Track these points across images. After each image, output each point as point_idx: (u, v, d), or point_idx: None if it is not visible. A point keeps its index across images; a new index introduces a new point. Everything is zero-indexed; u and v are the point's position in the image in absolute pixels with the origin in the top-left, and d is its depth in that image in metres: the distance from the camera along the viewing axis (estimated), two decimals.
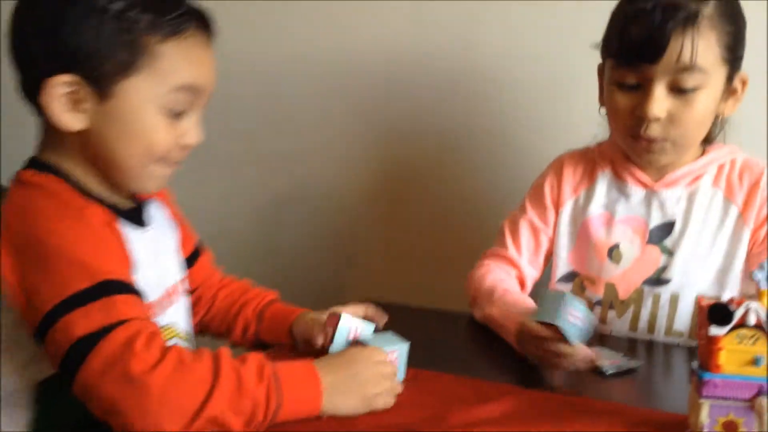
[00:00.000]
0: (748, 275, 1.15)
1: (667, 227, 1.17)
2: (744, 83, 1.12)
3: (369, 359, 0.85)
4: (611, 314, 1.18)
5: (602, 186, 1.21)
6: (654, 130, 1.07)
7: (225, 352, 0.77)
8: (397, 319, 1.05)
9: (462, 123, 1.59)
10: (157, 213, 0.97)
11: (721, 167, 1.17)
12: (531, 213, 1.25)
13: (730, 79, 1.09)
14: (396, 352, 0.91)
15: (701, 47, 1.02)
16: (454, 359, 1.06)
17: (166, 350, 0.74)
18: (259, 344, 1.07)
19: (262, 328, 1.06)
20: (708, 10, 1.04)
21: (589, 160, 1.24)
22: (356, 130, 1.68)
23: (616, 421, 0.82)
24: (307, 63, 1.68)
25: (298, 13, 1.67)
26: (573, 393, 0.91)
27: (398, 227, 1.69)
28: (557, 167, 1.26)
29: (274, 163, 1.76)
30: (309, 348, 0.98)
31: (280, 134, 1.74)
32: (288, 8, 1.69)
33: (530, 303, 1.12)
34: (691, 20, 1.02)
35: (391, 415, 0.83)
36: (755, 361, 0.74)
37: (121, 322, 0.74)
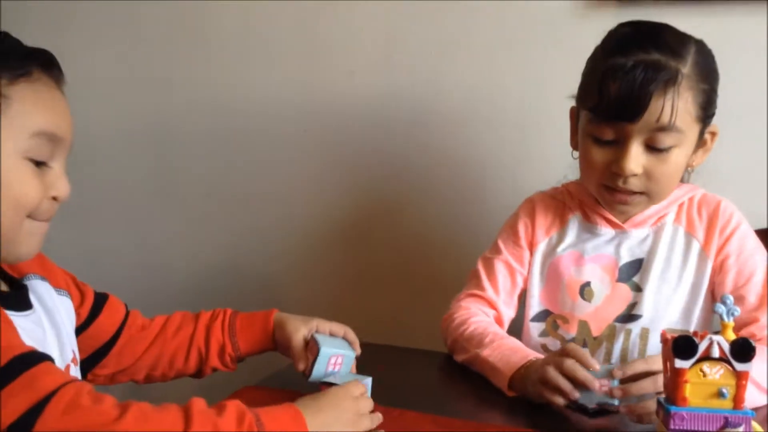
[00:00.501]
0: (711, 306, 1.18)
1: (636, 264, 1.18)
2: (713, 135, 1.14)
3: (349, 397, 0.85)
4: (585, 351, 1.19)
5: (573, 228, 1.23)
6: (630, 184, 1.09)
7: (197, 403, 0.74)
8: (364, 356, 1.05)
9: (433, 160, 1.62)
10: (40, 291, 0.90)
11: (681, 205, 1.20)
12: (506, 253, 1.26)
13: (701, 133, 1.11)
14: (341, 357, 0.96)
15: (680, 108, 1.03)
16: (420, 397, 1.06)
17: (123, 404, 0.70)
18: (240, 361, 1.06)
19: (240, 344, 1.05)
20: (687, 69, 1.04)
21: (559, 203, 1.27)
22: (324, 168, 1.71)
23: None
24: (274, 104, 1.71)
25: (264, 53, 1.71)
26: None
27: (366, 264, 1.70)
28: (529, 208, 1.28)
29: (241, 201, 1.78)
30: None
31: (246, 173, 1.77)
32: (251, 49, 1.72)
33: (526, 349, 1.12)
34: (672, 81, 1.02)
35: None
36: (720, 394, 0.74)
37: (53, 393, 0.69)
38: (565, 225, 1.24)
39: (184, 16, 1.76)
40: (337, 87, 1.66)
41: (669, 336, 0.76)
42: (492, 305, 1.25)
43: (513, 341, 1.15)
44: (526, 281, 1.25)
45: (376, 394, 0.93)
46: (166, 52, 1.79)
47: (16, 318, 0.80)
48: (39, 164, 0.80)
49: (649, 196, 1.12)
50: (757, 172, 1.40)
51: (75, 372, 0.92)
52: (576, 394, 0.96)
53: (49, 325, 0.88)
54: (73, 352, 0.92)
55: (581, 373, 0.96)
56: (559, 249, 1.22)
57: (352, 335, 1.06)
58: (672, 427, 0.74)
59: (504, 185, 1.55)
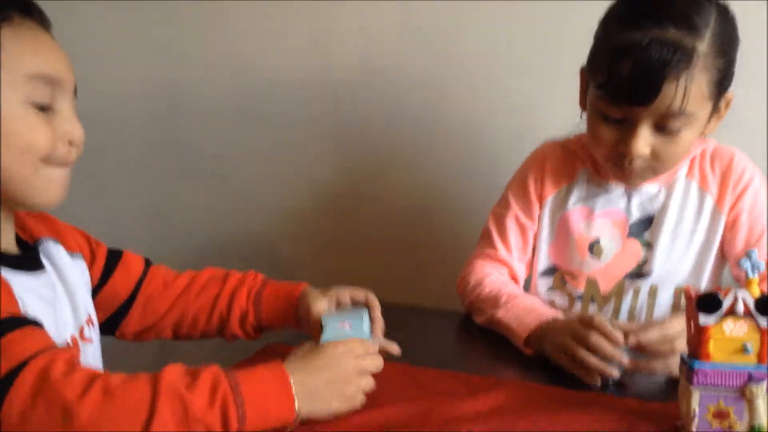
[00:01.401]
0: (724, 261, 1.18)
1: (647, 221, 1.17)
2: (728, 103, 1.09)
3: (348, 355, 0.80)
4: (592, 308, 1.19)
5: (582, 182, 1.21)
6: (637, 164, 1.07)
7: (169, 373, 0.70)
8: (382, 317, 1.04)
9: (437, 113, 1.60)
10: (52, 253, 0.88)
11: (693, 159, 1.18)
12: (516, 209, 1.24)
13: (715, 106, 1.07)
14: (347, 322, 0.89)
15: (692, 92, 0.99)
16: (440, 355, 1.06)
17: (91, 375, 0.67)
18: (262, 332, 1.02)
19: (262, 315, 1.00)
20: (703, 46, 0.99)
21: (570, 153, 1.23)
22: (335, 132, 1.69)
23: (607, 411, 0.82)
24: (284, 68, 1.69)
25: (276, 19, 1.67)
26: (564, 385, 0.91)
27: (379, 224, 1.69)
28: (540, 160, 1.25)
29: (242, 166, 1.76)
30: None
31: (243, 135, 1.75)
32: (264, 14, 1.68)
33: (542, 306, 1.11)
34: (686, 63, 0.97)
35: (379, 412, 0.82)
36: (744, 349, 0.74)
37: (25, 362, 0.66)
38: (575, 177, 1.21)
39: None
40: (349, 43, 1.63)
41: (693, 293, 0.76)
42: (505, 264, 1.24)
43: (528, 300, 1.14)
44: (536, 236, 1.24)
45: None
46: (179, 19, 1.75)
47: (25, 278, 0.79)
48: (44, 109, 0.78)
49: (655, 171, 1.10)
50: (758, 160, 1.39)
51: (91, 333, 0.89)
52: (608, 369, 0.93)
53: (61, 287, 0.86)
54: (89, 313, 0.90)
55: (608, 349, 0.92)
56: (569, 203, 1.20)
57: (373, 300, 1.00)
58: (695, 382, 0.74)
59: (515, 134, 1.53)
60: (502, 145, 1.56)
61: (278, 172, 1.75)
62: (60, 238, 0.91)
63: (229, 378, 0.71)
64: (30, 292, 0.78)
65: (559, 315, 1.08)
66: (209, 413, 0.69)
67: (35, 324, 0.72)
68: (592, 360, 0.93)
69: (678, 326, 0.92)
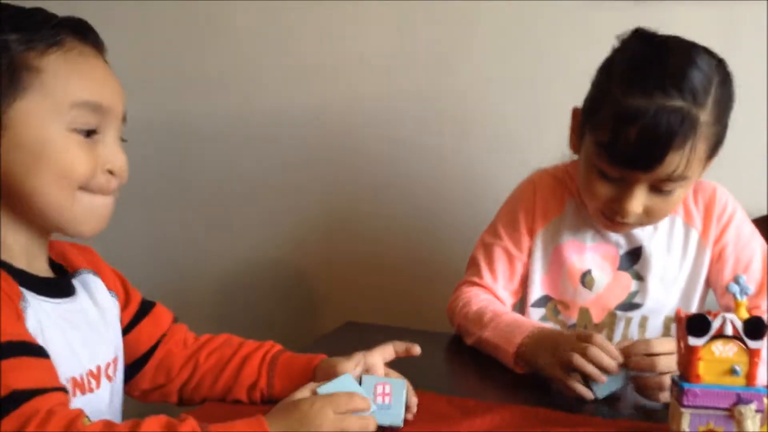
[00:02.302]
0: (713, 290, 1.20)
1: (635, 252, 1.20)
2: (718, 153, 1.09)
3: (325, 411, 0.75)
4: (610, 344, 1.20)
5: (571, 213, 1.22)
6: (629, 220, 1.08)
7: (148, 425, 0.68)
8: (377, 340, 1.05)
9: (445, 147, 1.64)
10: (90, 284, 0.87)
11: None
12: (505, 239, 1.24)
13: (711, 158, 1.07)
14: (388, 386, 0.83)
15: (693, 161, 1.00)
16: (436, 378, 1.07)
17: (68, 424, 0.65)
18: (270, 401, 0.92)
19: (275, 382, 0.92)
20: (706, 115, 0.99)
21: (559, 183, 1.24)
22: (337, 159, 1.72)
23: None
24: (287, 97, 1.72)
25: (277, 48, 1.72)
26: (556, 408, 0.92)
27: (375, 246, 1.71)
28: (530, 191, 1.25)
29: (257, 196, 1.79)
30: None
31: (260, 168, 1.78)
32: (265, 43, 1.73)
33: (524, 320, 1.12)
34: (692, 133, 0.98)
35: None
36: (733, 371, 0.76)
37: (10, 396, 0.64)
38: (563, 209, 1.22)
39: (199, 12, 1.76)
40: (347, 69, 1.67)
41: (683, 314, 0.78)
42: (490, 291, 1.25)
43: (511, 316, 1.14)
44: (526, 266, 1.24)
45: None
46: (183, 48, 1.79)
47: (49, 303, 0.77)
48: (89, 134, 0.77)
49: (643, 224, 1.13)
50: (758, 160, 1.44)
51: (116, 372, 0.87)
52: (603, 378, 0.94)
53: (97, 316, 0.85)
54: (117, 353, 0.88)
55: (607, 360, 0.94)
56: (560, 236, 1.22)
57: (400, 347, 0.94)
58: (685, 403, 0.76)
59: (513, 164, 1.53)
60: (493, 173, 1.59)
61: (281, 199, 1.77)
62: (100, 274, 0.90)
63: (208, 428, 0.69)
64: (51, 317, 0.76)
65: (545, 325, 1.09)
66: None
67: (38, 353, 0.70)
68: (589, 368, 0.94)
69: (663, 346, 0.94)
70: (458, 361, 1.20)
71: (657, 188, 1.04)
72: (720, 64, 1.04)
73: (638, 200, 1.04)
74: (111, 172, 0.79)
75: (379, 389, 0.83)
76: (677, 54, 1.01)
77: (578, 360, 0.94)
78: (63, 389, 0.71)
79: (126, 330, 0.93)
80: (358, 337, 1.28)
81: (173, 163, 1.84)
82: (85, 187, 0.78)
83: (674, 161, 0.99)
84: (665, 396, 0.92)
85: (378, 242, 1.70)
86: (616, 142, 1.01)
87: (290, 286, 1.79)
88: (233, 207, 1.81)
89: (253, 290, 1.80)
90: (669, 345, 0.92)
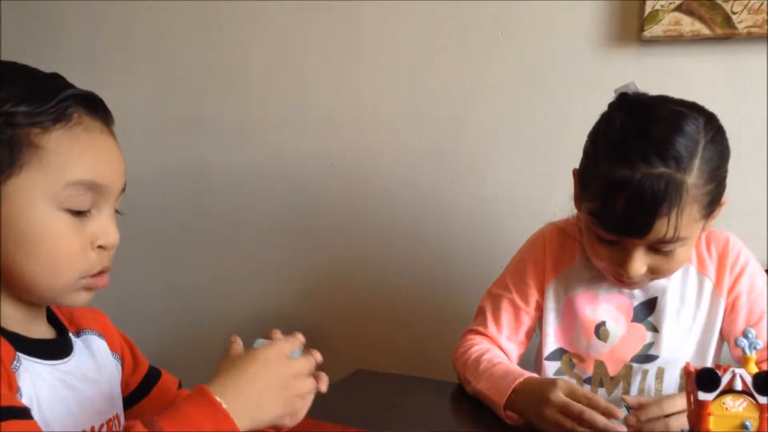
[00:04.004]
0: (726, 341, 1.19)
1: (650, 304, 1.19)
2: (722, 205, 1.09)
3: (280, 358, 0.76)
4: (601, 391, 1.19)
5: (582, 264, 1.22)
6: (635, 279, 1.09)
7: None
8: (387, 388, 1.05)
9: (457, 192, 1.66)
10: (93, 345, 0.87)
11: None
12: (513, 292, 1.25)
13: (711, 214, 1.08)
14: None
15: (684, 222, 1.01)
16: (444, 426, 1.07)
17: None
18: None
19: None
20: (692, 178, 1.00)
21: (569, 237, 1.25)
22: (350, 201, 1.74)
23: None
24: (301, 139, 1.76)
25: (293, 88, 1.76)
26: None
27: (385, 294, 1.72)
28: (539, 245, 1.26)
29: (273, 242, 1.82)
30: None
31: (277, 213, 1.81)
32: (280, 85, 1.77)
33: (517, 370, 1.12)
34: (677, 198, 0.99)
35: None
36: (743, 427, 0.75)
37: None
38: (574, 261, 1.23)
39: (216, 62, 1.82)
40: (361, 120, 1.71)
41: (692, 369, 0.78)
42: (494, 341, 1.25)
43: (503, 367, 1.15)
44: (534, 319, 1.25)
45: (394, 423, 0.92)
46: (199, 97, 1.84)
47: (43, 366, 0.77)
48: (80, 213, 0.75)
49: (654, 280, 1.14)
50: (758, 212, 1.43)
51: (118, 428, 0.86)
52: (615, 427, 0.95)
53: (96, 375, 0.84)
54: (117, 412, 0.87)
55: (603, 421, 0.95)
56: (572, 288, 1.22)
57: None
58: None
59: (524, 215, 1.57)
60: (504, 224, 1.61)
61: (292, 247, 1.80)
62: (105, 334, 0.90)
63: (154, 426, 0.67)
64: (46, 379, 0.76)
65: (534, 375, 1.10)
66: None
67: (26, 416, 0.69)
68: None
69: (675, 405, 0.94)
70: (465, 410, 1.20)
71: (656, 249, 1.05)
72: (709, 121, 1.05)
73: (639, 262, 1.06)
74: (101, 248, 0.77)
75: None
76: (660, 122, 1.02)
77: (580, 430, 0.96)
78: None
79: (132, 398, 0.92)
80: (367, 384, 1.29)
81: (186, 211, 1.88)
82: (79, 276, 0.76)
83: (663, 227, 1.01)
84: None
85: (388, 291, 1.71)
86: (605, 211, 1.03)
87: (300, 332, 1.79)
88: (245, 255, 1.84)
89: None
90: (681, 403, 0.92)
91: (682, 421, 0.90)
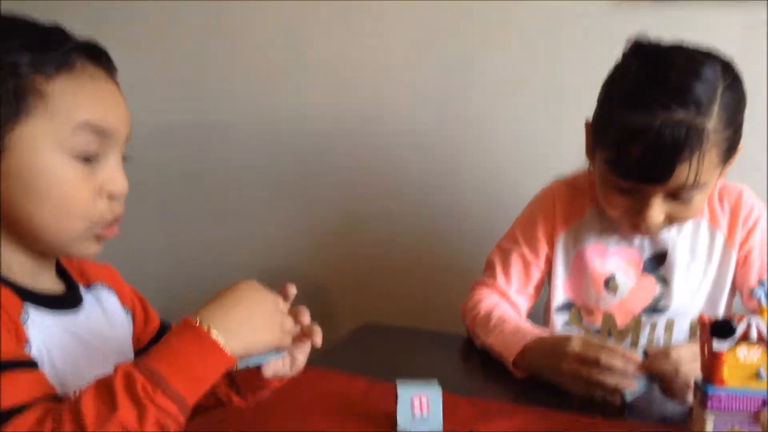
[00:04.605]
0: (739, 293, 1.18)
1: (660, 257, 1.19)
2: (738, 151, 1.08)
3: (265, 296, 0.75)
4: (609, 343, 1.19)
5: (593, 218, 1.21)
6: (653, 228, 1.08)
7: (85, 407, 0.63)
8: (395, 342, 1.05)
9: (465, 153, 1.63)
10: (104, 298, 0.86)
11: None
12: (523, 245, 1.24)
13: (729, 160, 1.06)
14: (425, 396, 0.84)
15: (705, 167, 0.99)
16: (452, 379, 1.06)
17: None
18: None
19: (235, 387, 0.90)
20: (713, 123, 0.99)
21: (579, 192, 1.24)
22: (352, 164, 1.72)
23: None
24: (304, 101, 1.73)
25: (296, 50, 1.73)
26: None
27: (392, 248, 1.71)
28: (549, 200, 1.25)
29: (272, 199, 1.79)
30: None
31: (276, 170, 1.78)
32: (284, 46, 1.74)
33: (527, 328, 1.12)
34: (698, 143, 0.97)
35: None
36: (758, 375, 0.75)
37: (8, 413, 0.63)
38: (584, 215, 1.22)
39: (220, 12, 1.78)
40: (367, 73, 1.67)
41: (707, 319, 0.77)
42: (503, 295, 1.25)
43: (514, 324, 1.14)
44: (543, 273, 1.25)
45: (401, 376, 0.90)
46: (202, 49, 1.81)
47: (46, 317, 0.76)
48: (90, 159, 0.74)
49: (670, 228, 1.13)
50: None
51: None
52: (628, 384, 0.95)
53: (106, 329, 0.83)
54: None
55: (621, 364, 0.95)
56: (582, 240, 1.21)
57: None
58: (710, 407, 0.75)
59: (534, 169, 1.54)
60: (513, 178, 1.59)
61: (297, 202, 1.78)
62: (116, 287, 0.89)
63: (143, 371, 0.65)
64: (56, 333, 0.75)
65: (545, 333, 1.10)
66: (146, 423, 0.64)
67: (32, 366, 0.69)
68: (611, 380, 0.94)
69: (687, 352, 0.93)
70: (473, 363, 1.20)
71: (674, 196, 1.04)
72: (726, 67, 1.03)
73: (657, 209, 1.05)
74: (110, 197, 0.76)
75: (416, 401, 0.84)
76: (677, 68, 1.01)
77: (596, 376, 0.95)
78: (50, 397, 0.69)
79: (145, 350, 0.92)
80: (375, 339, 1.29)
81: (190, 166, 1.85)
82: (84, 217, 0.75)
83: (684, 172, 0.99)
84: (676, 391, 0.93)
85: (395, 245, 1.70)
86: (623, 159, 1.02)
87: (307, 290, 1.78)
88: (250, 210, 1.82)
89: None
90: (691, 351, 0.92)
91: (693, 370, 0.90)
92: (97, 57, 0.77)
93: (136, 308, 0.92)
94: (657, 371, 0.94)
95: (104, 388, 0.64)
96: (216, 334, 0.69)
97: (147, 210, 1.88)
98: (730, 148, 1.04)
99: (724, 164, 1.06)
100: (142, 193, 1.82)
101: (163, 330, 0.94)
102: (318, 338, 0.82)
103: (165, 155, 1.85)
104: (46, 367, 0.72)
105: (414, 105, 1.65)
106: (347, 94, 1.70)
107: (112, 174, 0.76)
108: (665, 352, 0.95)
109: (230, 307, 0.72)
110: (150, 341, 0.92)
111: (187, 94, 1.84)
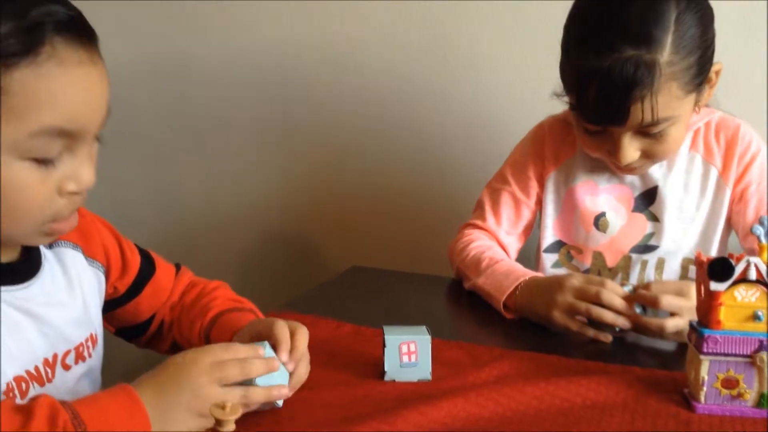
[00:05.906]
0: (730, 233, 1.17)
1: (651, 193, 1.16)
2: (717, 72, 1.06)
3: (193, 366, 0.68)
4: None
5: (583, 154, 1.18)
6: (632, 165, 1.07)
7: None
8: (382, 284, 1.04)
9: (451, 97, 1.58)
10: (66, 259, 0.81)
11: (697, 131, 1.15)
12: (513, 185, 1.23)
13: (700, 90, 1.04)
14: (413, 343, 0.82)
15: (662, 103, 0.98)
16: (442, 323, 1.06)
17: None
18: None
19: (211, 334, 0.87)
20: (666, 55, 0.96)
21: (570, 126, 1.20)
22: (341, 103, 1.67)
23: (614, 380, 0.81)
24: (290, 41, 1.67)
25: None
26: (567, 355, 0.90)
27: (380, 189, 1.68)
28: (539, 137, 1.23)
29: (259, 139, 1.75)
30: None
31: (263, 110, 1.73)
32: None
33: (520, 269, 1.11)
34: (649, 79, 0.95)
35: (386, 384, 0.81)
36: (755, 317, 0.73)
37: None
38: (575, 151, 1.19)
39: None
40: (352, 9, 1.61)
41: (704, 258, 0.75)
42: (493, 236, 1.23)
43: (506, 264, 1.13)
44: (533, 213, 1.23)
45: (389, 319, 0.88)
46: None
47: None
48: (47, 161, 0.67)
49: (655, 162, 1.10)
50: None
51: (90, 351, 0.82)
52: (621, 321, 0.95)
53: (66, 296, 0.79)
54: (94, 330, 0.83)
55: (622, 304, 0.95)
56: (573, 178, 1.19)
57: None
58: (705, 350, 0.73)
59: (523, 108, 1.51)
60: (503, 118, 1.54)
61: (283, 142, 1.73)
62: (83, 241, 0.83)
63: (68, 410, 0.62)
64: (3, 309, 0.71)
65: (538, 274, 1.09)
66: None
67: None
68: (608, 315, 0.94)
69: (672, 284, 0.94)
70: (461, 305, 1.19)
71: (644, 133, 1.03)
72: None
73: (629, 149, 1.04)
74: (71, 194, 0.69)
75: (404, 348, 0.82)
76: (625, 5, 0.98)
77: (595, 310, 0.95)
78: None
79: (123, 299, 0.89)
80: (362, 281, 1.28)
81: (172, 105, 1.79)
82: (44, 222, 0.70)
83: (638, 111, 0.98)
84: (670, 334, 0.93)
85: (382, 186, 1.67)
86: (582, 103, 1.02)
87: (293, 231, 1.77)
88: (234, 149, 1.77)
89: (256, 235, 1.77)
90: (676, 285, 0.94)
91: (674, 303, 0.91)
92: (75, 33, 0.66)
93: (111, 258, 0.87)
94: (639, 299, 0.94)
95: (24, 412, 0.60)
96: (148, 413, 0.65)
97: (127, 153, 1.83)
98: (698, 74, 1.01)
99: (696, 92, 1.03)
100: (121, 137, 1.78)
101: (143, 275, 0.90)
102: (281, 397, 0.74)
103: (140, 97, 1.79)
104: None
105: (400, 44, 1.59)
106: (331, 31, 1.63)
107: (76, 171, 0.69)
108: (648, 284, 0.95)
109: (164, 383, 0.67)
110: (128, 289, 0.89)
111: (161, 29, 1.76)
